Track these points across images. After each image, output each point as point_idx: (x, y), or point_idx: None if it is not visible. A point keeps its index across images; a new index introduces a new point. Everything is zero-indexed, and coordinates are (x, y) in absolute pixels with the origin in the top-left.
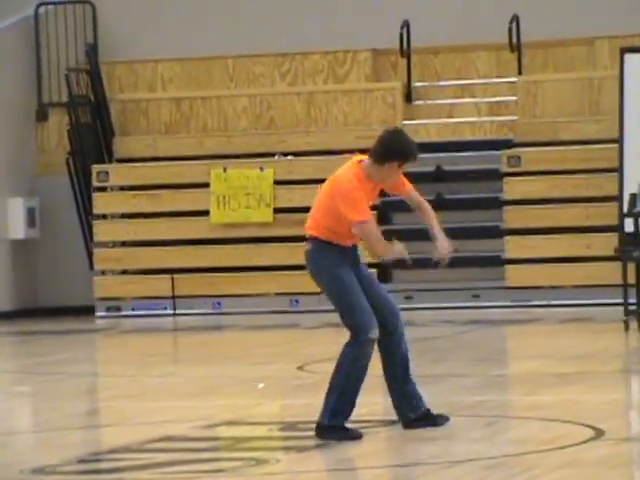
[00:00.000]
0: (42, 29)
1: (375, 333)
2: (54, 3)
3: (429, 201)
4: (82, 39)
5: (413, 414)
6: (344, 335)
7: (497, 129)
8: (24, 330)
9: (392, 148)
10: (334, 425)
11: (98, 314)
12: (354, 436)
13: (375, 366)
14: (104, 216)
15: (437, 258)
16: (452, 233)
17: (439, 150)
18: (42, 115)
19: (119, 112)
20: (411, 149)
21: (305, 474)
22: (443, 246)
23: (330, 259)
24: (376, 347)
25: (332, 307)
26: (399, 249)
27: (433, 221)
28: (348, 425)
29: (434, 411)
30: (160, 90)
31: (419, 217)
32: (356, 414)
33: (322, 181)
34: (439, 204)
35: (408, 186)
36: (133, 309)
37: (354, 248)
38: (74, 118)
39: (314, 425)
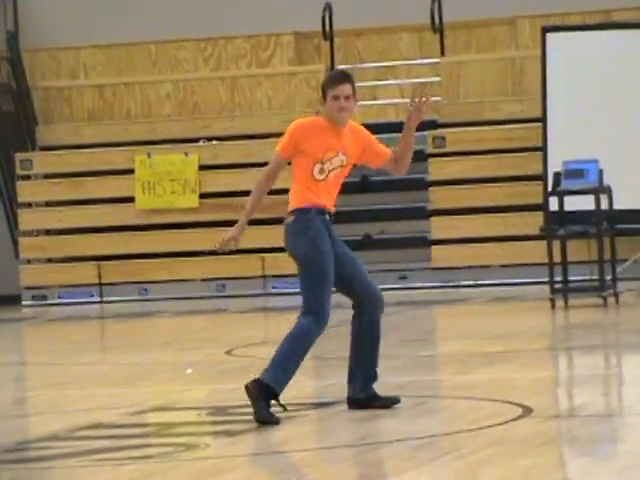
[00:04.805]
0: None
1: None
2: None
3: (354, 183)
4: (3, 26)
5: (364, 394)
6: (271, 320)
7: None
8: None
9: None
10: (271, 387)
11: (24, 303)
12: (275, 421)
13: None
14: (29, 204)
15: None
16: (378, 214)
17: None
18: None
19: (42, 100)
20: (327, 76)
21: (235, 458)
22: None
23: (311, 234)
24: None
25: (258, 292)
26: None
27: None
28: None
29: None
30: (83, 77)
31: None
32: (286, 397)
33: (247, 165)
34: (365, 186)
35: (388, 153)
36: (59, 297)
37: (330, 217)
38: None
39: (243, 409)
